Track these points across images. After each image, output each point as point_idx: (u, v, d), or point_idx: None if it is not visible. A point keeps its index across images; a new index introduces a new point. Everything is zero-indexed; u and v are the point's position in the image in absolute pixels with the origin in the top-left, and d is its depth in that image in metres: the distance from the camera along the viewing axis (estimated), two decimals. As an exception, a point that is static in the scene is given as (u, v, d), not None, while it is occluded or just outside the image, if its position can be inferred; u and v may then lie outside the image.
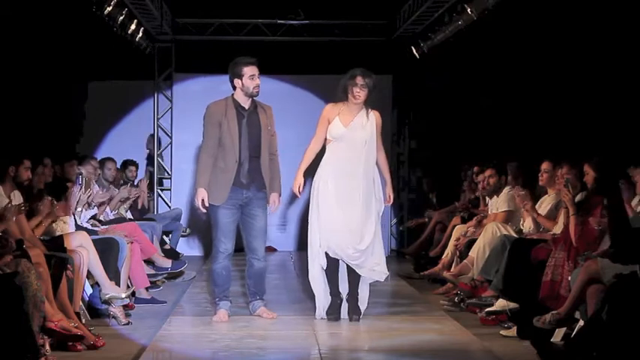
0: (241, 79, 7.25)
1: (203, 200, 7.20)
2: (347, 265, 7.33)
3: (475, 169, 9.95)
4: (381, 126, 7.45)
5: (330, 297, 7.39)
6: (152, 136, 12.63)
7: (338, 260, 7.34)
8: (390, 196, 7.45)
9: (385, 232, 13.11)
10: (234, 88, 7.32)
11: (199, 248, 12.67)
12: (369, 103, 7.45)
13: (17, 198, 6.89)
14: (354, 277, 7.37)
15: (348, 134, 7.26)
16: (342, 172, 7.24)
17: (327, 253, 7.29)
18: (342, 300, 7.40)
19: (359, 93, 7.26)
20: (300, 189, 7.35)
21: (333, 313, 7.33)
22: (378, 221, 7.36)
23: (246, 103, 7.31)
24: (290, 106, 12.69)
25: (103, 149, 12.41)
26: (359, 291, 7.39)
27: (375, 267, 7.33)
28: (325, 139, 7.36)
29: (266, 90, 12.06)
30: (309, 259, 7.38)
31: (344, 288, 7.42)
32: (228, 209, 7.29)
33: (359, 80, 7.25)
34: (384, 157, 7.53)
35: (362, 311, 7.38)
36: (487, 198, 9.50)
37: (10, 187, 6.91)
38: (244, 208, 7.37)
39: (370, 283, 7.49)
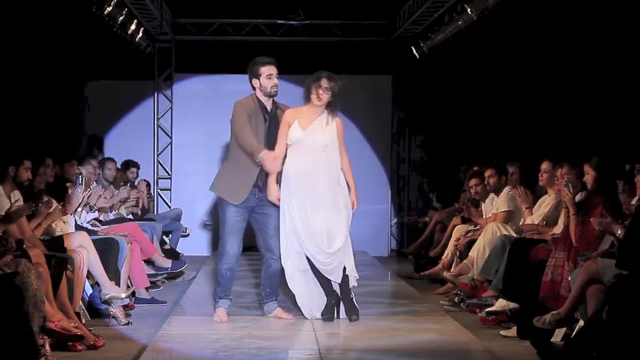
0: (259, 79, 7.28)
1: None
2: None
3: (475, 168, 9.93)
4: (342, 133, 7.34)
5: (325, 297, 7.33)
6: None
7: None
8: (353, 203, 7.32)
9: (385, 232, 13.13)
10: (254, 88, 7.35)
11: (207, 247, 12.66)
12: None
13: (17, 198, 6.89)
14: (344, 283, 7.31)
15: (306, 138, 7.17)
16: (303, 176, 7.16)
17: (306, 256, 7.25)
18: (338, 299, 7.34)
19: (322, 95, 7.18)
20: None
21: (327, 313, 7.27)
22: (347, 227, 7.27)
23: (268, 103, 7.34)
24: (290, 106, 12.70)
25: (103, 149, 12.42)
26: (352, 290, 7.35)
27: (346, 272, 7.27)
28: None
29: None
30: (282, 260, 7.29)
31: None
32: (239, 209, 7.27)
33: (323, 82, 7.19)
34: (348, 163, 7.38)
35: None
36: (480, 202, 9.51)
37: (10, 188, 6.91)
38: (256, 208, 7.35)
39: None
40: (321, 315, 7.30)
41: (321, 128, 7.21)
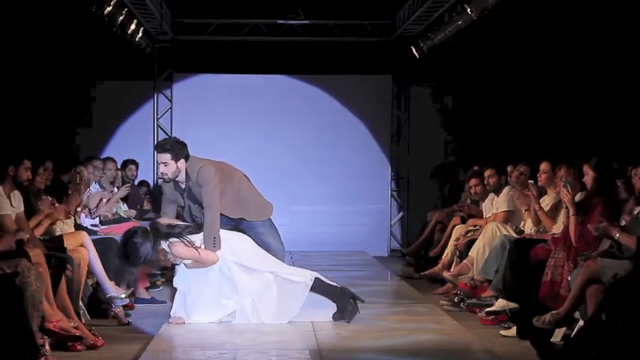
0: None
1: None
2: None
3: (475, 168, 9.93)
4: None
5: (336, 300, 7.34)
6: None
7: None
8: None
9: (385, 232, 13.14)
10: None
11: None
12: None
13: (17, 198, 6.88)
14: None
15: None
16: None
17: None
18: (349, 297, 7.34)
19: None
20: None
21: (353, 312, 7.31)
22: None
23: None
24: (290, 106, 12.72)
25: (103, 149, 12.42)
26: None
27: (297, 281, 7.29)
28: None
29: (266, 89, 12.11)
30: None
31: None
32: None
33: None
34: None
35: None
36: (480, 202, 9.50)
37: (9, 187, 6.90)
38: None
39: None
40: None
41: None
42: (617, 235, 6.18)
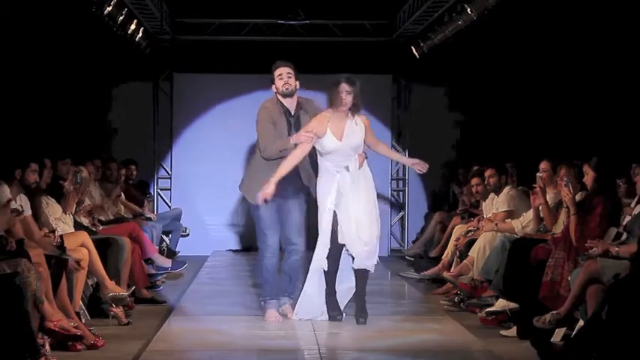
0: (274, 82, 7.45)
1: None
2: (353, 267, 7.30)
3: (475, 168, 9.92)
4: (370, 126, 7.41)
5: (325, 297, 7.33)
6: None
7: (339, 261, 7.32)
8: (419, 164, 7.57)
9: (385, 231, 13.12)
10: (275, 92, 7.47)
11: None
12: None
13: (23, 201, 6.88)
14: (361, 278, 7.34)
15: (344, 146, 7.21)
16: (340, 180, 7.21)
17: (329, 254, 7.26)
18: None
19: (345, 99, 7.18)
20: (268, 198, 7.15)
21: (335, 310, 7.31)
22: (377, 218, 7.32)
23: (291, 105, 7.43)
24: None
25: (103, 149, 12.41)
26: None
27: (367, 257, 7.27)
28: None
29: (266, 89, 12.08)
30: (314, 258, 7.30)
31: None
32: (270, 203, 7.26)
33: (344, 87, 7.18)
34: (384, 145, 7.76)
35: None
36: (481, 201, 9.50)
37: (16, 190, 6.88)
38: (282, 203, 7.41)
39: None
40: (330, 314, 7.29)
41: (352, 132, 7.24)
42: (617, 250, 6.21)
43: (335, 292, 7.35)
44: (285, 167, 7.14)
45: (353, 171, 7.23)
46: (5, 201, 6.52)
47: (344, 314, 7.36)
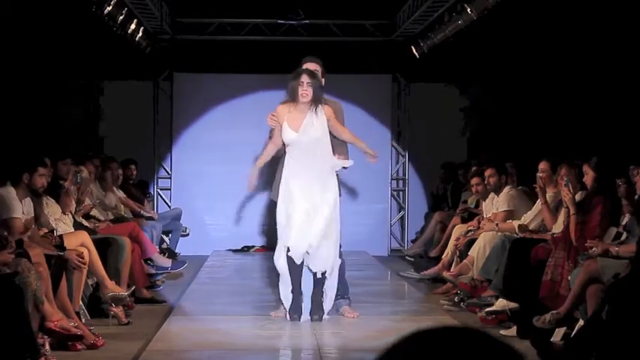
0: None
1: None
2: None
3: (474, 168, 9.92)
4: (334, 114, 7.35)
5: (291, 294, 7.23)
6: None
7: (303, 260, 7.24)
8: (373, 154, 7.66)
9: (385, 231, 13.13)
10: None
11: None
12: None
13: (27, 204, 6.87)
14: (316, 279, 7.24)
15: (301, 138, 7.19)
16: (299, 174, 7.22)
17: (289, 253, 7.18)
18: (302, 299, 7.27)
19: (305, 92, 7.17)
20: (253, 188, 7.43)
21: (297, 311, 7.20)
22: (332, 218, 7.26)
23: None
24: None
25: (102, 149, 12.41)
26: (325, 289, 7.26)
27: (324, 260, 7.20)
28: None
29: (266, 89, 12.10)
30: (274, 259, 7.27)
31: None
32: None
33: (304, 79, 7.18)
34: (349, 133, 7.55)
35: (325, 311, 7.25)
36: (481, 201, 9.50)
37: (23, 193, 6.88)
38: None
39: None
40: (290, 313, 7.20)
41: (311, 124, 7.23)
42: (617, 249, 6.21)
43: (301, 292, 7.23)
44: (264, 158, 7.38)
45: (315, 169, 7.22)
46: (31, 217, 6.57)
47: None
